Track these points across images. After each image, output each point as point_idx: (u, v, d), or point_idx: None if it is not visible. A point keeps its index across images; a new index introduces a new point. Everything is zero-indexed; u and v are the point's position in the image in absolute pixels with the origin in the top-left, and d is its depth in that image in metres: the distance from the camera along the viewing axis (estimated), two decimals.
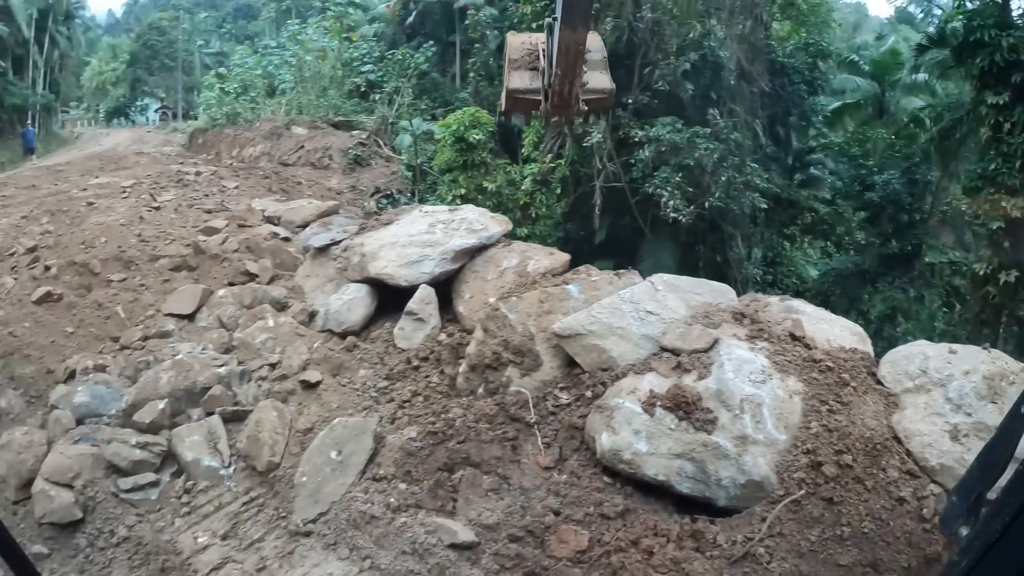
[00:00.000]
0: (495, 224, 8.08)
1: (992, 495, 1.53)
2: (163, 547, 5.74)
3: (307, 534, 5.55)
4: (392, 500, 5.41)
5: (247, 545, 5.66)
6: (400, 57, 25.08)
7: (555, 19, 10.14)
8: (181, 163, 22.77)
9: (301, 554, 5.45)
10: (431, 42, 26.74)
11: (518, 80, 11.77)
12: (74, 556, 6.00)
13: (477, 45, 25.24)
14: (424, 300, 7.14)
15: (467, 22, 25.11)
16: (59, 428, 6.98)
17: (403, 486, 5.54)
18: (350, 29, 28.20)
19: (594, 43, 11.52)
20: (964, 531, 1.59)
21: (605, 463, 5.00)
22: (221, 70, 32.46)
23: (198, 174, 18.85)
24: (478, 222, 7.99)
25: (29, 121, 43.44)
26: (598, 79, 11.67)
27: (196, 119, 42.56)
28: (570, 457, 5.38)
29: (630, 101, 19.52)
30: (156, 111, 60.58)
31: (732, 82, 20.81)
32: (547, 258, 7.34)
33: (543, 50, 11.38)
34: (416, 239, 7.72)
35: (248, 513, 5.91)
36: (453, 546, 4.95)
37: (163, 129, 48.23)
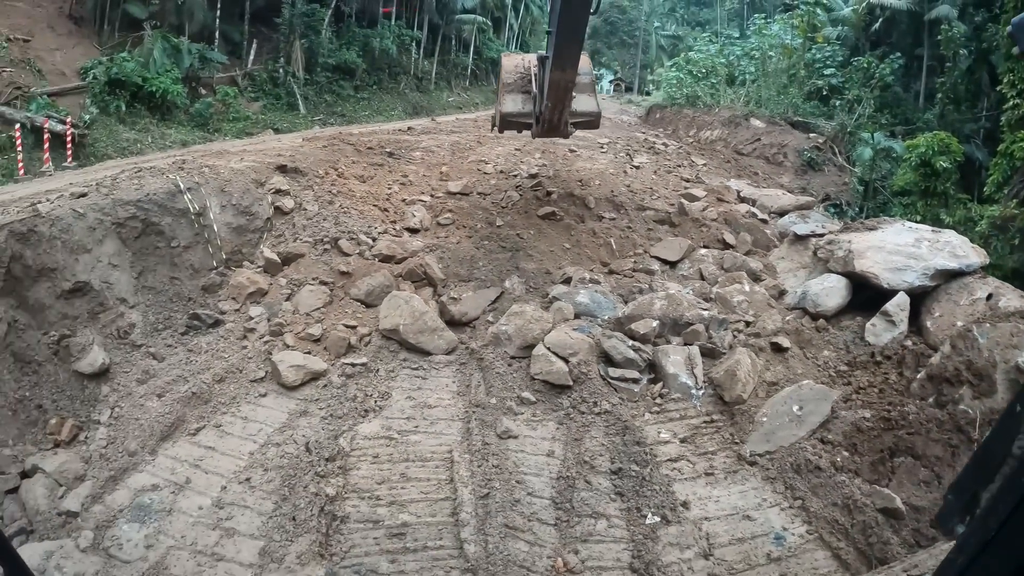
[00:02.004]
0: (975, 255, 8.39)
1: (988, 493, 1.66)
2: (634, 428, 7.33)
3: (752, 463, 6.74)
4: (837, 460, 6.33)
5: (700, 453, 7.04)
6: (865, 65, 24.01)
7: (547, 56, 9.69)
8: (643, 133, 25.19)
9: (743, 476, 6.67)
10: (897, 53, 25.05)
11: (511, 104, 11.71)
12: (556, 411, 7.86)
13: (948, 64, 22.95)
14: (900, 306, 7.84)
15: (938, 37, 22.92)
16: (560, 315, 9.03)
17: (846, 453, 6.43)
18: (814, 29, 27.71)
19: (584, 66, 10.76)
20: (960, 529, 1.67)
21: None
22: (691, 54, 34.15)
23: (665, 145, 20.98)
24: (961, 248, 8.40)
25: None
26: (586, 102, 11.21)
27: (649, 94, 45.56)
28: None
29: None
30: (610, 82, 65.28)
31: None
32: (1019, 299, 7.57)
33: (535, 75, 10.89)
34: (902, 249, 8.36)
35: (706, 430, 7.29)
36: (884, 511, 5.76)
37: (617, 99, 52.36)
